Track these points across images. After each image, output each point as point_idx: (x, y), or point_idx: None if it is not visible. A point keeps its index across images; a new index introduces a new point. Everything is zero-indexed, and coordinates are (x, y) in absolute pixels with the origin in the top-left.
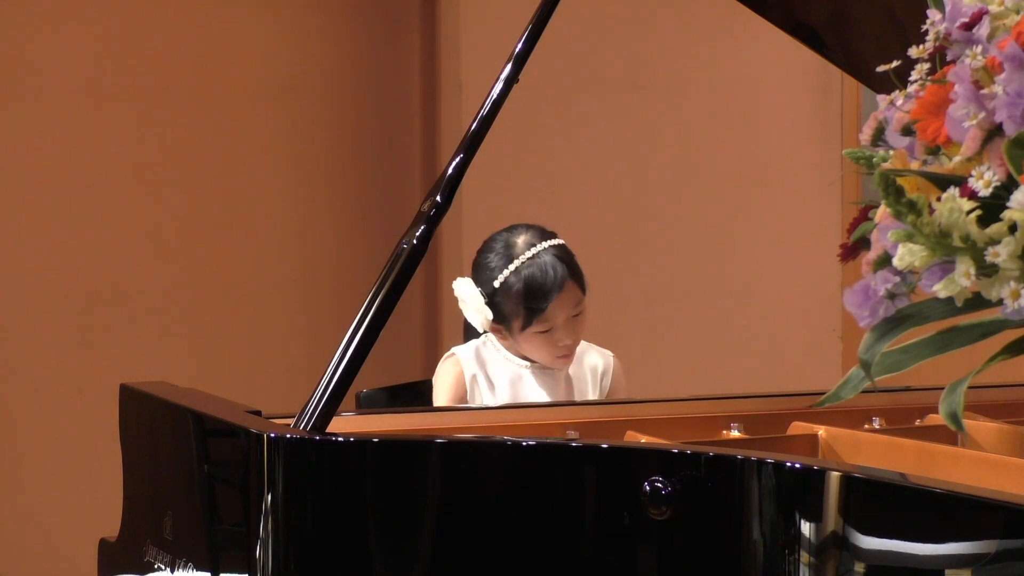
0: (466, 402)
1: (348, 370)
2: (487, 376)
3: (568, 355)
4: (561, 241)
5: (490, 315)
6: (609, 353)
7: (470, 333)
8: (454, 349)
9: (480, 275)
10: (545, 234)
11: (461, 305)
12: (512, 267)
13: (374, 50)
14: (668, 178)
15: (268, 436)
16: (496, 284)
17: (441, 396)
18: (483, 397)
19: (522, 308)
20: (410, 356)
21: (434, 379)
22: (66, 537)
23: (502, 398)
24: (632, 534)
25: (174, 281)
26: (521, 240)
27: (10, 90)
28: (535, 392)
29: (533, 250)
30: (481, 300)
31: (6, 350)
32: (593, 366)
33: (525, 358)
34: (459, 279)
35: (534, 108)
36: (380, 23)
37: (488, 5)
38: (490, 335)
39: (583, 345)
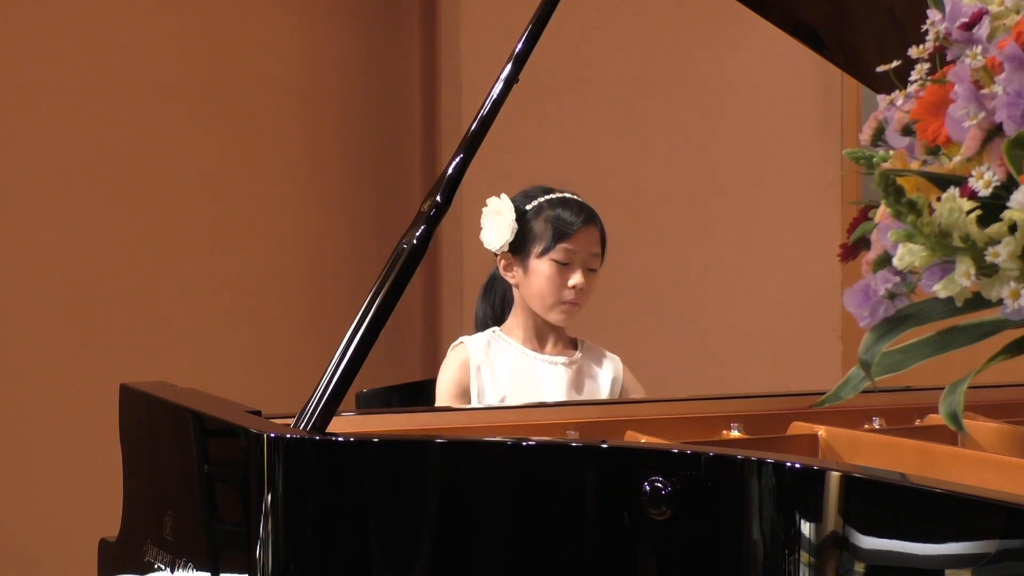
0: (468, 391)
1: (348, 370)
2: (492, 367)
3: (572, 304)
4: None
5: (508, 233)
6: (616, 357)
7: (482, 325)
8: (463, 338)
9: (517, 200)
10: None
11: (487, 220)
12: (550, 196)
13: (374, 50)
14: (668, 178)
15: (268, 436)
16: (529, 206)
17: (444, 383)
18: (485, 388)
19: (550, 228)
20: (410, 356)
21: (441, 368)
22: (66, 537)
23: (504, 388)
24: (632, 534)
25: (174, 281)
26: (558, 190)
27: (10, 90)
28: (542, 383)
29: (568, 194)
30: (513, 217)
31: (6, 350)
32: (604, 371)
33: (533, 349)
34: (501, 197)
35: (534, 108)
36: (380, 23)
37: (488, 5)
38: (498, 330)
39: (592, 347)
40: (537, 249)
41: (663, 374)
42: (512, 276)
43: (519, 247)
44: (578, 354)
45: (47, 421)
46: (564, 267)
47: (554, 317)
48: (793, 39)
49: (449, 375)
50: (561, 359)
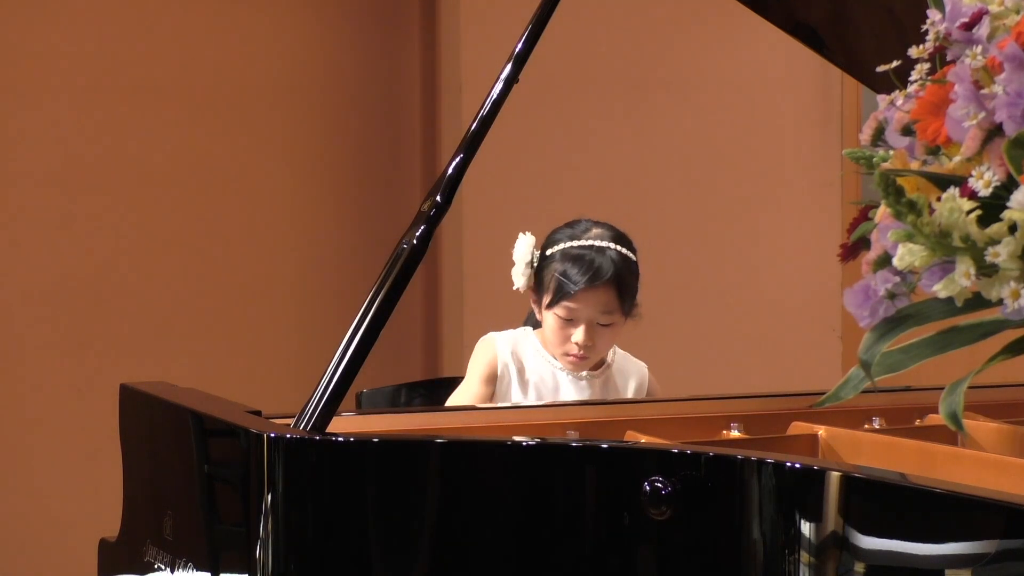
0: (495, 378)
1: (348, 370)
2: (520, 369)
3: (577, 358)
4: (633, 256)
5: (524, 279)
6: (643, 364)
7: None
8: (492, 333)
9: (548, 239)
10: (623, 240)
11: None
12: (572, 243)
13: (374, 50)
14: (668, 178)
15: (268, 436)
16: (549, 252)
17: (474, 374)
18: (512, 390)
19: (555, 283)
20: (410, 356)
21: (471, 359)
22: (66, 537)
23: (532, 397)
24: (632, 534)
25: (174, 281)
26: (596, 230)
27: (10, 90)
28: (565, 397)
29: (600, 242)
30: (529, 261)
31: (6, 350)
32: (630, 380)
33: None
34: (523, 236)
35: (534, 108)
36: (380, 23)
37: (488, 5)
38: (530, 330)
39: (623, 357)
40: (545, 299)
41: (663, 374)
42: (537, 311)
43: (537, 288)
44: (606, 365)
45: (47, 421)
46: (568, 322)
47: (562, 362)
48: (793, 39)
49: (479, 363)
50: (585, 372)
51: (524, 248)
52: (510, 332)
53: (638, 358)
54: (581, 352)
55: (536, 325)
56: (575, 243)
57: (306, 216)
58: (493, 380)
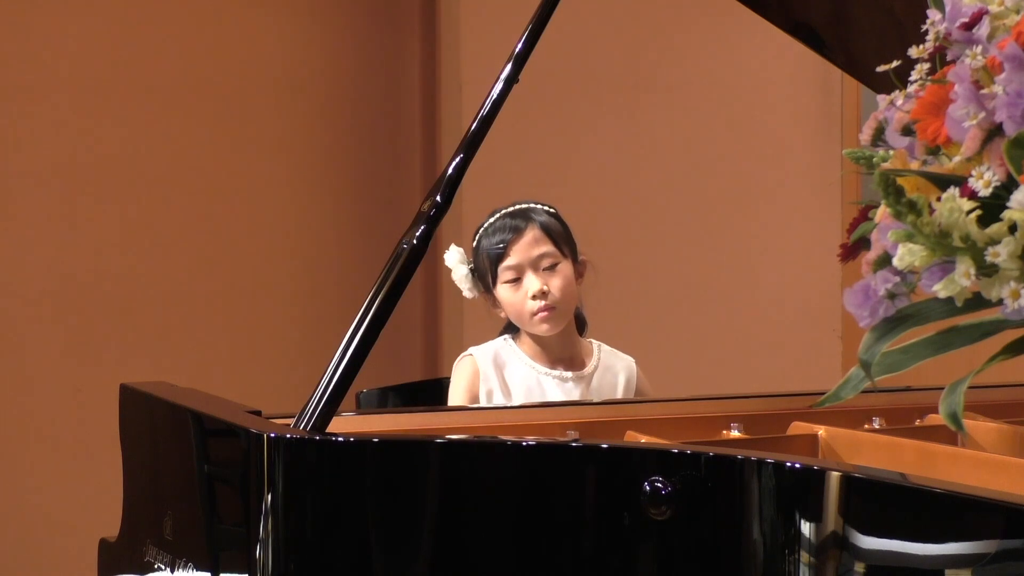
0: (477, 400)
1: (348, 370)
2: (503, 380)
3: (544, 311)
4: (550, 208)
5: (468, 282)
6: (630, 359)
7: (508, 329)
8: (471, 349)
9: (473, 239)
10: (536, 202)
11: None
12: (484, 226)
13: (374, 50)
14: (668, 178)
15: (268, 436)
16: (475, 245)
17: (455, 397)
18: (496, 400)
19: (487, 258)
20: (410, 356)
21: (451, 380)
22: (66, 537)
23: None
24: (632, 534)
25: (174, 281)
26: (508, 204)
27: (11, 90)
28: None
29: (511, 208)
30: (462, 268)
31: (6, 350)
32: (618, 376)
33: (544, 364)
34: (449, 249)
35: (534, 108)
36: (380, 23)
37: (488, 5)
38: (509, 339)
39: (609, 353)
40: (491, 282)
41: (663, 374)
42: (500, 312)
43: (484, 287)
44: (591, 365)
45: (47, 421)
46: (516, 283)
47: (536, 329)
48: (793, 39)
49: (461, 385)
50: (571, 375)
51: (456, 257)
52: (489, 343)
53: (639, 357)
54: (542, 302)
55: (513, 331)
56: (484, 225)
57: (306, 216)
58: (476, 397)
